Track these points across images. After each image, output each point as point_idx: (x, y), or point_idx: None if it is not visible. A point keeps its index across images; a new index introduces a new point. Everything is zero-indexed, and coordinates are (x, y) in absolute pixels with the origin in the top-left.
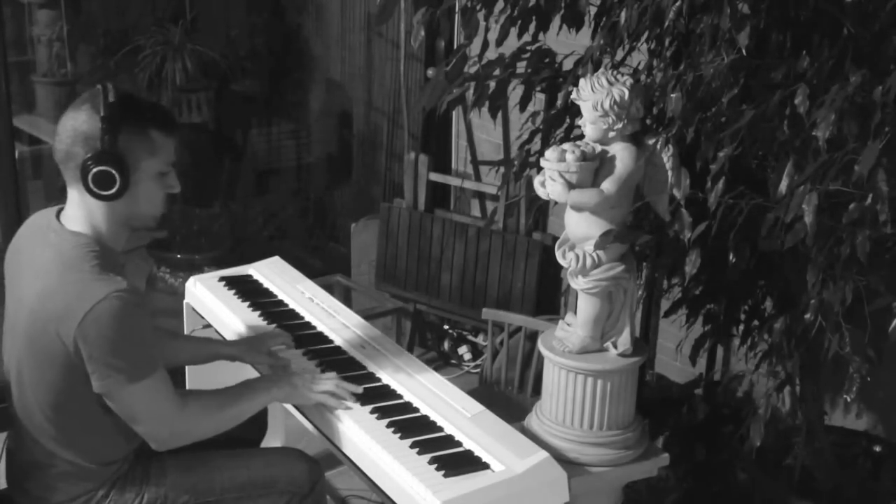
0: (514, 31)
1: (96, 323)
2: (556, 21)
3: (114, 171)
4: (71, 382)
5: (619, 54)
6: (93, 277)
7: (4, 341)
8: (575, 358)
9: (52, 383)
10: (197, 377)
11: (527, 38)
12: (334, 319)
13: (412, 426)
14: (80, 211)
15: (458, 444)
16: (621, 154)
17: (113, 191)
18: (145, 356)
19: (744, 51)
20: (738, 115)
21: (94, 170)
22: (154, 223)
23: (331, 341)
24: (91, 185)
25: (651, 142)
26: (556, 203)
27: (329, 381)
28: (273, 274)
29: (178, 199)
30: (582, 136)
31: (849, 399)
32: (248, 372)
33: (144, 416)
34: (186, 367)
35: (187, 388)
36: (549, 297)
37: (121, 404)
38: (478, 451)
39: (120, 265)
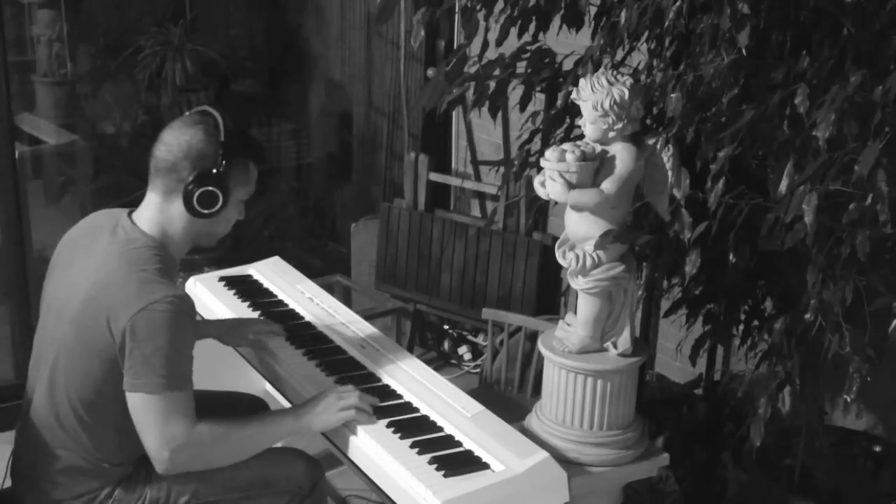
0: (514, 31)
1: (148, 321)
2: (556, 21)
3: (220, 194)
4: (107, 377)
5: (619, 54)
6: (154, 278)
7: (41, 327)
8: (575, 358)
9: (91, 376)
10: (197, 380)
11: (527, 38)
12: (334, 319)
13: (412, 426)
14: (158, 216)
15: (458, 444)
16: (621, 154)
17: (212, 210)
18: (183, 369)
19: (744, 51)
20: (738, 115)
21: (202, 189)
22: (214, 243)
23: (331, 341)
24: (195, 204)
25: (651, 142)
26: (556, 203)
27: (352, 396)
28: (273, 274)
29: None
30: (582, 136)
31: (849, 399)
32: (251, 375)
33: (155, 428)
34: None
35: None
36: (549, 297)
37: (140, 408)
38: (478, 451)
39: (177, 276)
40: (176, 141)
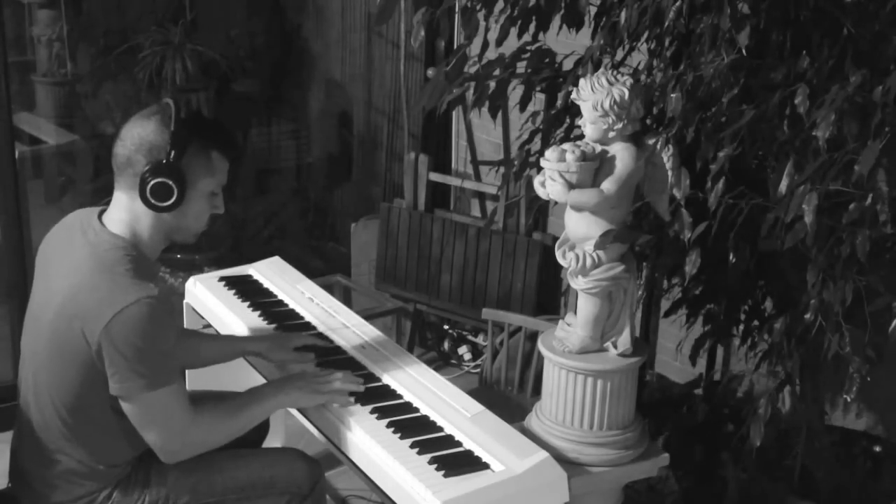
0: (514, 31)
1: (123, 326)
2: (556, 21)
3: (173, 185)
4: (88, 382)
5: (619, 54)
6: (125, 280)
7: (26, 330)
8: (575, 358)
9: (70, 381)
10: (197, 380)
11: (527, 38)
12: (334, 319)
13: (412, 426)
14: (125, 215)
15: (458, 444)
16: (621, 154)
17: (168, 203)
18: (167, 365)
19: (744, 51)
20: (738, 115)
21: (154, 181)
22: (193, 239)
23: (331, 341)
24: (148, 196)
25: (651, 142)
26: (556, 203)
27: (335, 381)
28: (273, 274)
29: None
30: (582, 136)
31: (849, 399)
32: (249, 374)
33: (157, 425)
34: (186, 370)
35: (187, 389)
36: (549, 297)
37: (136, 410)
38: (478, 451)
39: (153, 273)
40: (129, 135)
